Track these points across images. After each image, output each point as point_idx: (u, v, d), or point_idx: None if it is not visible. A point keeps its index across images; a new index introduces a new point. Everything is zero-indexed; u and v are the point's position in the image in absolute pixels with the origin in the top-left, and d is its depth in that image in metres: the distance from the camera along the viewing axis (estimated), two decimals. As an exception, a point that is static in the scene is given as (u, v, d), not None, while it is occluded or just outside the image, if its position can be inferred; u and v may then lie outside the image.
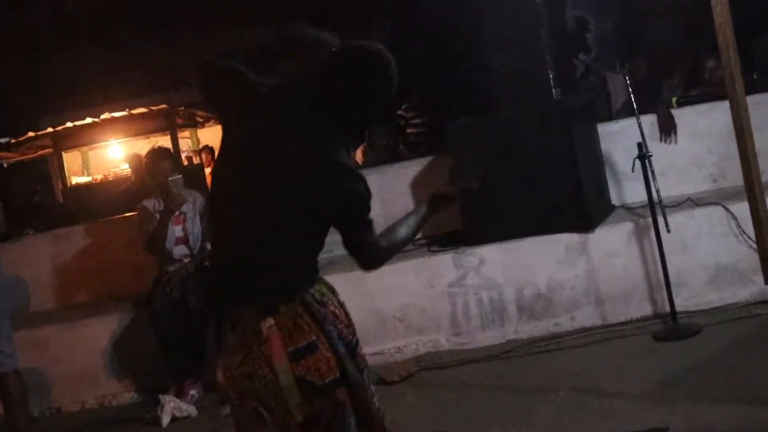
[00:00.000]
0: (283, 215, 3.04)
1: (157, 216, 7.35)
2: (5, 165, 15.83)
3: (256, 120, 3.05)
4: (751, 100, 4.89)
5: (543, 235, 6.94)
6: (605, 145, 7.46)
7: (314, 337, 2.88)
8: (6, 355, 6.48)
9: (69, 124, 15.43)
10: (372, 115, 3.35)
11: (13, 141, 15.97)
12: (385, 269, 7.09)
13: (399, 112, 9.54)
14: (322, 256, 7.68)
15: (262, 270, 2.95)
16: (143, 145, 15.85)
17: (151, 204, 7.49)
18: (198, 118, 16.87)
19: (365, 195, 3.19)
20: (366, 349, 7.00)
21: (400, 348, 7.16)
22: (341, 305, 3.12)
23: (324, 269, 7.29)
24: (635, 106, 6.54)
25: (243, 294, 2.94)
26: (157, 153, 7.73)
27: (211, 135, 17.14)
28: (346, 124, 3.17)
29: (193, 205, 7.46)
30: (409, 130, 9.40)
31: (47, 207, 11.14)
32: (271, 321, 2.85)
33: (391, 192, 7.98)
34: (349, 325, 3.09)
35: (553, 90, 7.15)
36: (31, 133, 15.65)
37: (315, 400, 2.84)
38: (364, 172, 8.15)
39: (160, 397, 6.77)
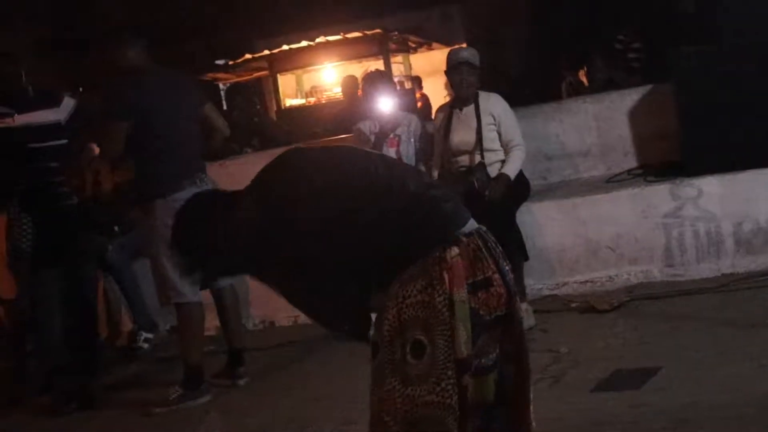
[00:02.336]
0: None
1: (372, 138, 7.62)
2: (222, 86, 16.45)
3: None
4: None
5: (765, 168, 6.88)
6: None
7: (490, 273, 2.88)
8: None
9: (285, 47, 15.93)
10: None
11: (230, 63, 16.59)
12: (600, 198, 7.28)
13: (618, 38, 9.52)
14: (538, 182, 7.89)
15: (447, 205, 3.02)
16: (355, 69, 16.26)
17: (366, 126, 7.70)
18: (411, 44, 17.13)
19: None
20: (576, 277, 7.26)
21: (611, 277, 7.23)
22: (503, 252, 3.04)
23: (538, 195, 7.54)
24: None
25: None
26: (374, 76, 8.01)
27: (424, 61, 17.38)
28: None
29: (407, 128, 7.68)
30: (630, 55, 9.38)
31: (266, 126, 11.55)
32: (456, 250, 2.84)
33: (608, 121, 8.05)
34: (512, 271, 3.04)
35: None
36: (248, 56, 16.24)
37: (479, 338, 2.83)
38: (587, 101, 8.27)
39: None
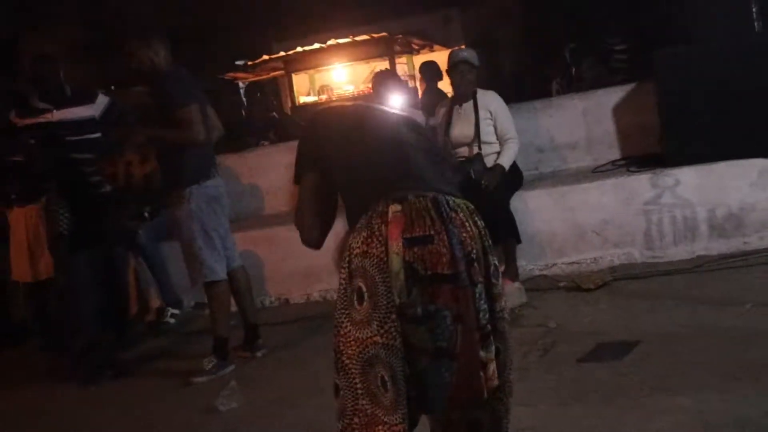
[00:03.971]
0: None
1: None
2: (241, 84, 16.46)
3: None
4: None
5: (738, 159, 6.90)
6: (807, 77, 7.33)
7: (432, 232, 2.83)
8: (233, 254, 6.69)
9: (299, 49, 15.96)
10: None
11: (249, 63, 16.62)
12: (587, 187, 7.30)
13: (605, 41, 9.53)
14: (530, 173, 7.88)
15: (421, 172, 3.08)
16: (363, 69, 16.29)
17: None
18: (414, 46, 17.13)
19: None
20: (564, 259, 7.29)
21: (596, 259, 7.26)
22: (476, 224, 2.99)
23: (530, 184, 7.55)
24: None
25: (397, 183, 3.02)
26: (384, 75, 8.05)
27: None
28: None
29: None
30: (615, 57, 9.39)
31: (282, 121, 11.55)
32: (398, 207, 2.85)
33: (595, 116, 8.07)
34: (474, 240, 2.94)
35: (756, 23, 7.07)
36: (265, 57, 16.27)
37: (413, 289, 2.80)
38: (575, 98, 8.28)
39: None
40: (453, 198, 2.98)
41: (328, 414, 5.12)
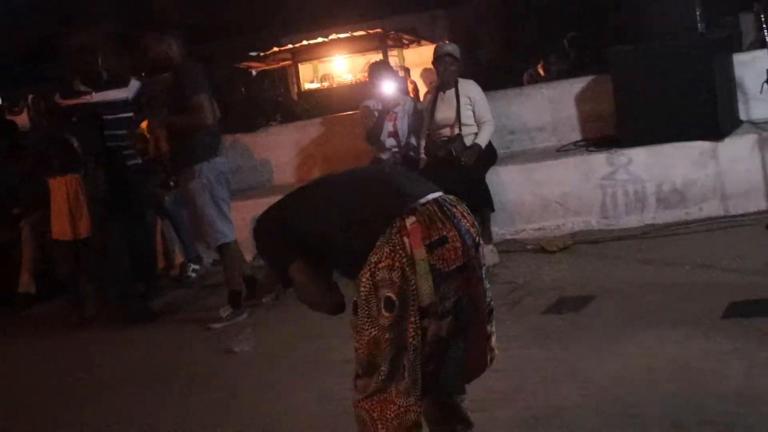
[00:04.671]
0: None
1: (376, 114, 7.63)
2: (254, 73, 16.40)
3: None
4: None
5: (682, 142, 6.90)
6: (738, 71, 7.29)
7: (445, 232, 2.77)
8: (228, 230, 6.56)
9: (304, 42, 15.91)
10: None
11: (261, 54, 16.56)
12: (551, 164, 7.31)
13: (569, 40, 9.51)
14: (503, 151, 7.89)
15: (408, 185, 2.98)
16: (360, 61, 16.25)
17: (372, 104, 7.68)
18: (404, 41, 17.08)
19: None
20: (531, 225, 7.30)
21: (558, 225, 7.25)
22: (467, 212, 2.94)
23: (503, 161, 7.55)
24: (767, 38, 6.45)
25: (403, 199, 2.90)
26: (379, 65, 8.05)
27: (414, 55, 17.31)
28: None
29: (403, 107, 7.69)
30: (577, 53, 9.38)
31: (287, 105, 11.52)
32: (413, 218, 2.76)
33: (560, 103, 8.06)
34: (473, 227, 2.90)
35: (699, 25, 7.07)
36: (275, 49, 16.21)
37: (440, 287, 2.75)
38: (542, 88, 8.27)
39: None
40: (446, 195, 2.93)
41: (324, 355, 5.22)
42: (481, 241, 2.98)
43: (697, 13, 7.04)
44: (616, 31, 8.39)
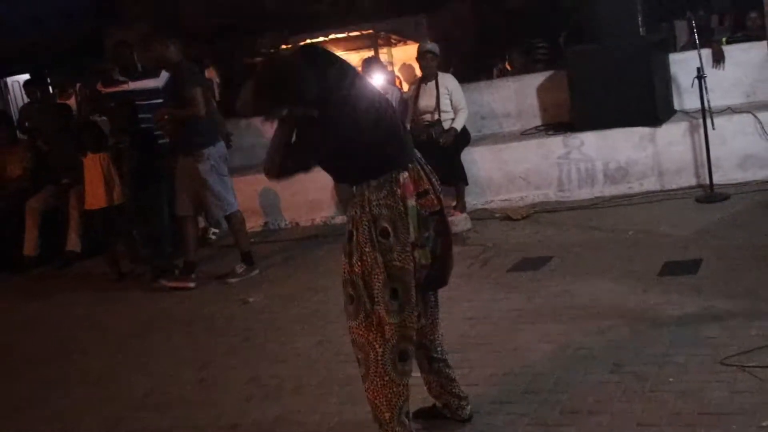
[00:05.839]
0: None
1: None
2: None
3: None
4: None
5: (626, 127, 6.88)
6: (673, 68, 7.25)
7: (427, 186, 2.98)
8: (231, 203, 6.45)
9: (309, 41, 15.77)
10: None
11: (272, 51, 16.44)
12: (516, 145, 7.30)
13: (531, 41, 9.44)
14: (476, 134, 7.84)
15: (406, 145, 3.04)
16: (355, 57, 16.11)
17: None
18: (393, 40, 16.94)
19: None
20: (499, 197, 7.30)
21: (522, 197, 7.23)
22: (432, 172, 3.09)
23: (475, 142, 7.52)
24: (697, 42, 6.44)
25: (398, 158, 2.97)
26: (371, 60, 8.01)
27: (401, 53, 17.20)
28: None
29: (390, 96, 7.58)
30: (538, 52, 9.32)
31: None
32: (406, 174, 2.92)
33: (524, 94, 8.00)
34: (438, 183, 3.10)
35: (641, 28, 7.03)
36: (284, 46, 16.06)
37: (422, 228, 2.93)
38: (509, 81, 8.23)
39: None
40: (422, 159, 3.09)
41: (324, 306, 5.22)
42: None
43: (639, 19, 7.01)
44: (572, 33, 8.37)
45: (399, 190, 2.90)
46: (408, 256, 2.90)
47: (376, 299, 2.89)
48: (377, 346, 2.91)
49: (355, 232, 2.93)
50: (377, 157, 2.96)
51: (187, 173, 6.24)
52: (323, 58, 2.99)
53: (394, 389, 2.92)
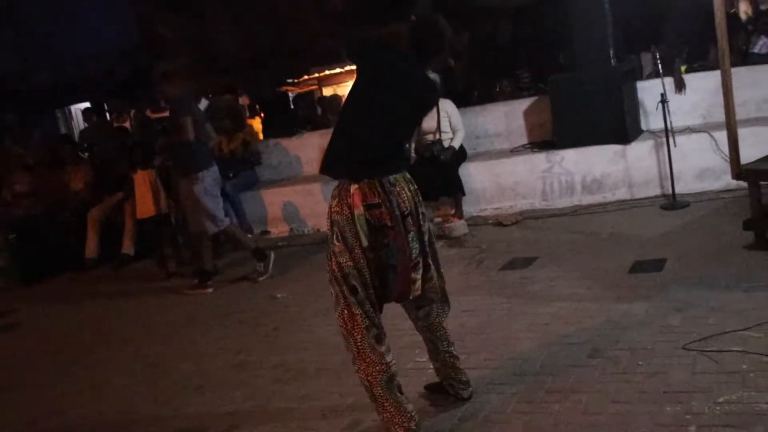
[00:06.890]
0: (401, 126, 3.07)
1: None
2: (291, 95, 16.31)
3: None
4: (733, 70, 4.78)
5: (600, 145, 6.86)
6: (640, 94, 7.20)
7: (379, 200, 2.91)
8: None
9: (327, 72, 15.82)
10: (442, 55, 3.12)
11: (295, 81, 16.46)
12: (506, 161, 7.27)
13: (518, 71, 9.43)
14: (471, 151, 7.80)
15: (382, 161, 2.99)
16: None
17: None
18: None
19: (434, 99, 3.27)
20: (492, 206, 7.23)
21: (512, 206, 7.19)
22: (410, 190, 3.01)
23: (471, 158, 7.49)
24: (660, 71, 6.44)
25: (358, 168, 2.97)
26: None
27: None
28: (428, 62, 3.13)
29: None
30: (524, 79, 9.31)
31: (315, 118, 11.44)
32: (355, 186, 2.90)
33: (512, 116, 7.98)
34: (408, 201, 2.99)
35: (612, 60, 7.03)
36: (305, 77, 16.11)
37: (371, 234, 2.91)
38: (499, 105, 8.16)
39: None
40: (394, 176, 2.99)
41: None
42: (422, 212, 3.07)
43: (611, 51, 7.01)
44: (555, 64, 8.37)
45: (349, 200, 2.91)
46: (359, 257, 2.92)
47: (346, 294, 2.95)
48: (355, 333, 2.97)
49: (329, 237, 3.01)
50: (354, 157, 2.96)
51: (186, 193, 6.15)
52: (430, 42, 3.04)
53: (377, 368, 2.98)
